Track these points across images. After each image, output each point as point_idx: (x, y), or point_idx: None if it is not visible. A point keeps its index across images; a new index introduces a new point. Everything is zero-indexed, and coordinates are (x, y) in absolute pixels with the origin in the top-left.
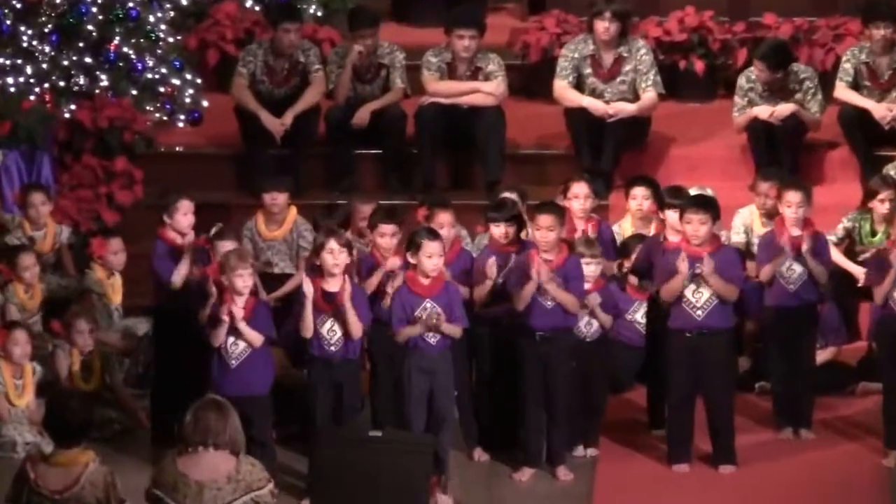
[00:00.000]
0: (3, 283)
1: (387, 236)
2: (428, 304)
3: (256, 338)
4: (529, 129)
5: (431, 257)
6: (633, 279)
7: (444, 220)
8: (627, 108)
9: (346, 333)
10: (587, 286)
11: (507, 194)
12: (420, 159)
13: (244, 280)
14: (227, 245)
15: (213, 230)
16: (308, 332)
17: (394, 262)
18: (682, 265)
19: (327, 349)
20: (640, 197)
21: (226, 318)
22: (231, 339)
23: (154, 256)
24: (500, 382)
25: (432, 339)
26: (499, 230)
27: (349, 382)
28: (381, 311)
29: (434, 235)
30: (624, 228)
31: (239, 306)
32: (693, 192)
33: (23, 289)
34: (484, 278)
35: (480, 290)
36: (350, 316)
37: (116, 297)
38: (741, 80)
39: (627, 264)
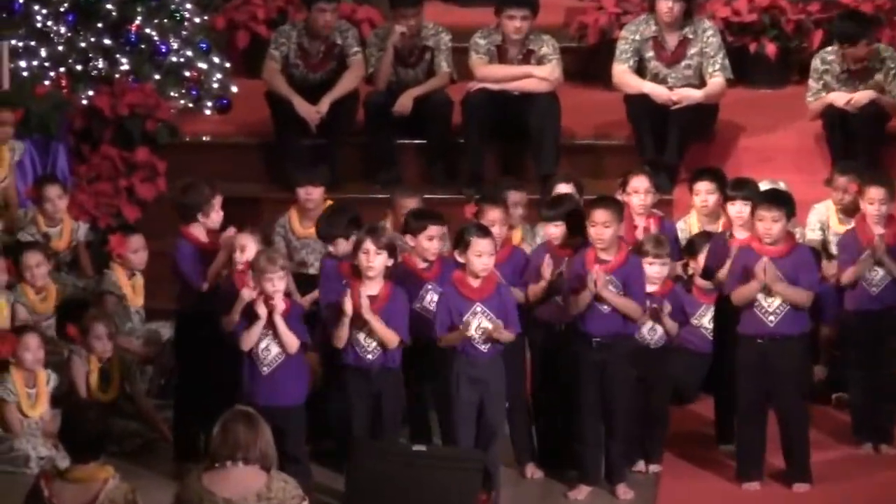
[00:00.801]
0: (12, 282)
1: (435, 239)
2: (479, 308)
3: (293, 340)
4: (586, 118)
5: (481, 256)
6: (701, 282)
7: (494, 218)
8: (693, 95)
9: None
10: (654, 289)
11: (562, 186)
12: (467, 150)
13: (274, 284)
14: (245, 238)
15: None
16: (341, 343)
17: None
18: (762, 273)
19: (364, 357)
20: (703, 192)
21: (263, 312)
22: (263, 345)
23: (179, 257)
24: (554, 392)
25: (483, 345)
26: (555, 229)
27: (389, 392)
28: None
29: (484, 232)
30: (690, 225)
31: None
32: (764, 186)
33: (33, 290)
34: (538, 277)
35: (535, 289)
36: (376, 326)
37: (138, 300)
38: (815, 62)
39: (693, 265)
